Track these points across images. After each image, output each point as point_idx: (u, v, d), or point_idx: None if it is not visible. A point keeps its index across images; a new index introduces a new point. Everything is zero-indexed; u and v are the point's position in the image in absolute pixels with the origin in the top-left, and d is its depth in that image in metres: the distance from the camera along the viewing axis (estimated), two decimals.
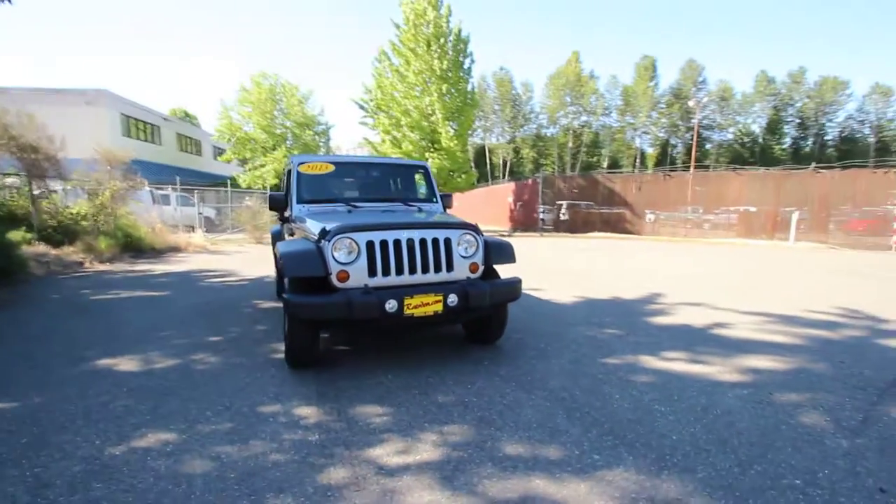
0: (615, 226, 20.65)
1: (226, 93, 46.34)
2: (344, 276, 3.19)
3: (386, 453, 2.27)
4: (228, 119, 28.15)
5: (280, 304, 5.82)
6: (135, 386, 3.15)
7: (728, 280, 7.83)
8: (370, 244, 3.25)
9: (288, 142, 29.01)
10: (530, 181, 24.25)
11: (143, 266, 9.56)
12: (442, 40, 20.54)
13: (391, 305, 3.09)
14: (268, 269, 8.62)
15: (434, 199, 4.77)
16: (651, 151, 61.31)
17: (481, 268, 3.60)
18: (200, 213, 14.46)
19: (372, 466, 2.15)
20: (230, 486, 2.01)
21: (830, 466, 2.14)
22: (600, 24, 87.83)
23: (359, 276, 3.22)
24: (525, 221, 23.31)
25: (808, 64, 66.94)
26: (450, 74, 20.70)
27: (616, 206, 20.90)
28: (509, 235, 19.38)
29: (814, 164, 16.70)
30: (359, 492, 1.96)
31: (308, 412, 2.73)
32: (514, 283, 3.62)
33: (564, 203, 21.99)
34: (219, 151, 34.90)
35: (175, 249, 12.57)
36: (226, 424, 2.58)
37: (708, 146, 59.66)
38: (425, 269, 3.36)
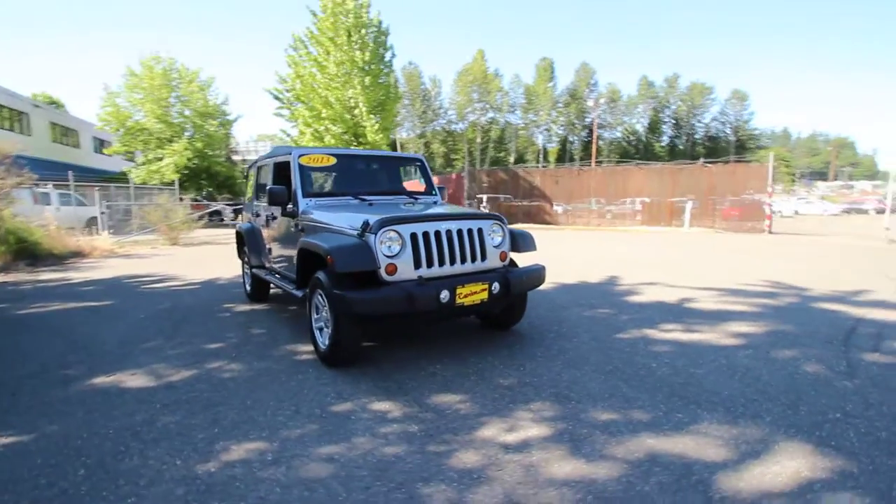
0: (535, 217, 21.90)
1: (110, 78, 40.64)
2: (393, 269, 3.16)
3: (496, 434, 2.35)
4: (115, 106, 24.90)
5: (257, 307, 5.49)
6: (167, 401, 2.84)
7: (658, 261, 8.80)
8: (413, 236, 3.25)
9: (188, 132, 26.49)
10: (455, 175, 24.73)
11: (50, 275, 8.26)
12: (363, 31, 20.09)
13: (444, 296, 3.12)
14: (213, 272, 7.95)
15: (434, 192, 4.81)
16: (552, 147, 65.52)
17: (509, 256, 3.77)
18: (103, 213, 12.71)
19: (495, 447, 2.23)
20: (370, 482, 1.97)
21: (851, 402, 2.64)
22: (503, 25, 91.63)
23: (404, 269, 3.20)
24: None
25: (681, 70, 75.81)
26: (372, 67, 20.37)
27: (535, 199, 22.18)
28: None
29: (703, 160, 19.12)
30: (501, 470, 2.04)
31: (387, 407, 2.69)
32: (541, 270, 3.83)
33: (484, 196, 22.81)
34: (101, 143, 30.76)
35: (78, 255, 10.95)
36: (310, 426, 2.46)
37: (600, 143, 65.11)
38: (463, 259, 3.43)
